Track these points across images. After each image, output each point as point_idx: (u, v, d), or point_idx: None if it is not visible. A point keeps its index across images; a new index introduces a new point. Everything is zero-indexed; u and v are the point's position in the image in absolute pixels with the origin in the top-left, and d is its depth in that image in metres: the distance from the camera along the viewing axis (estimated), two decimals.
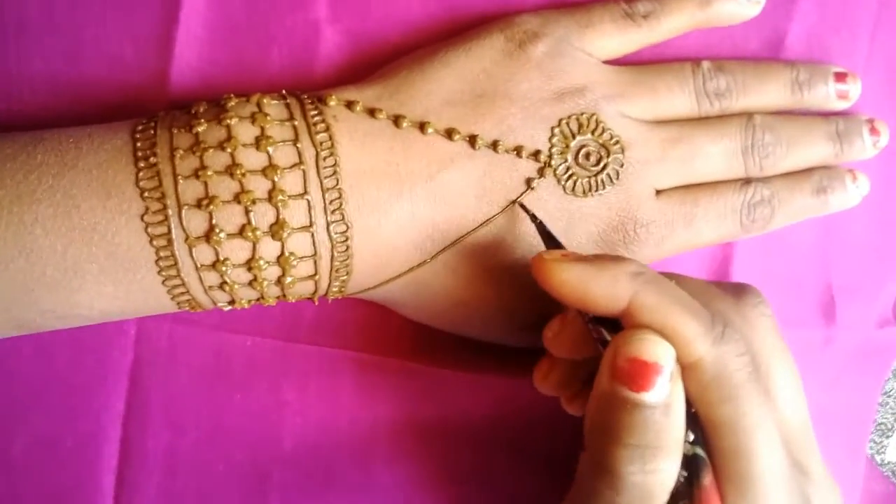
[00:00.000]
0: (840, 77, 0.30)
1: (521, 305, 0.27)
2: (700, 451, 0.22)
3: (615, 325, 0.23)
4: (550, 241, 0.25)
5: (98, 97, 0.27)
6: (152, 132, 0.24)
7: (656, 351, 0.21)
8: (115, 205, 0.23)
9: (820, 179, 0.30)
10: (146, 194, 0.23)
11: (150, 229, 0.23)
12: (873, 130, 0.31)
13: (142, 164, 0.23)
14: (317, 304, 0.27)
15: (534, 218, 0.26)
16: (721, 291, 0.25)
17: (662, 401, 0.21)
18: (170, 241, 0.23)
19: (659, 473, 0.21)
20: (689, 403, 0.22)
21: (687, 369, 0.22)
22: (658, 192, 0.28)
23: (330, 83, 0.28)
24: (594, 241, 0.27)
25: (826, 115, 0.31)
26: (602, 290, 0.22)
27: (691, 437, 0.22)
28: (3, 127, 0.27)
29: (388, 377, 0.31)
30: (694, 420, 0.22)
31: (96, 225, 0.23)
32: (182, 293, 0.24)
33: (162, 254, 0.23)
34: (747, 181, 0.29)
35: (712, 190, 0.29)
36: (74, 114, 0.27)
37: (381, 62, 0.29)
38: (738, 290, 0.25)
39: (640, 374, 0.21)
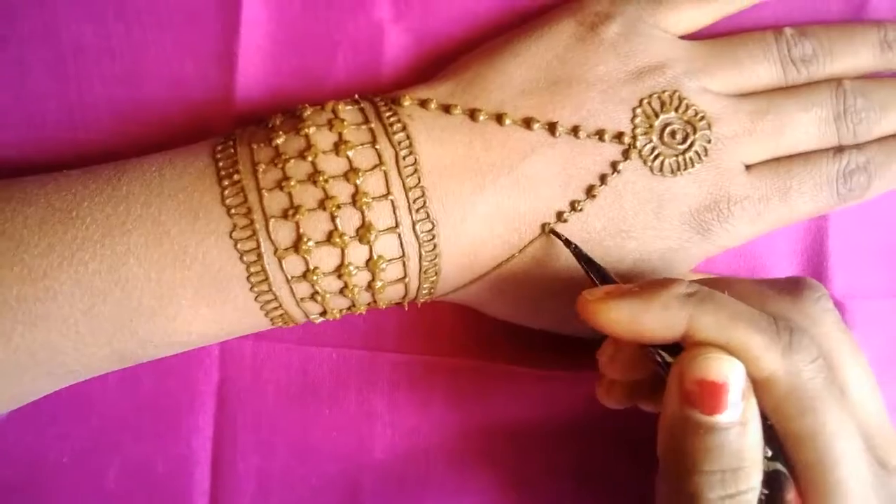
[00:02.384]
0: None
1: None
2: (780, 467, 0.21)
3: (674, 345, 0.22)
4: (590, 266, 0.24)
5: (163, 118, 0.27)
6: (232, 150, 0.24)
7: (724, 369, 0.20)
8: (203, 225, 0.23)
9: None
10: (233, 211, 0.23)
11: (239, 245, 0.23)
12: None
13: (226, 183, 0.23)
14: (406, 309, 0.27)
15: (568, 243, 0.25)
16: (777, 292, 0.23)
17: (737, 420, 0.20)
18: (259, 256, 0.23)
19: (741, 496, 0.20)
20: (764, 417, 0.21)
21: (759, 384, 0.21)
22: (748, 168, 0.27)
23: (398, 84, 0.28)
24: (686, 221, 0.26)
25: None
26: (656, 322, 0.21)
27: (769, 452, 0.21)
28: (70, 156, 0.27)
29: (478, 380, 0.30)
30: (770, 433, 0.21)
31: (187, 248, 0.23)
32: (275, 308, 0.24)
33: (253, 269, 0.23)
34: (840, 149, 0.28)
35: (805, 160, 0.27)
36: (140, 137, 0.27)
37: (447, 59, 0.28)
38: (796, 287, 0.23)
39: (710, 395, 0.20)
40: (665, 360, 0.22)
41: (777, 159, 0.27)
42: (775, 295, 0.23)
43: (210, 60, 0.27)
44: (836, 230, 0.30)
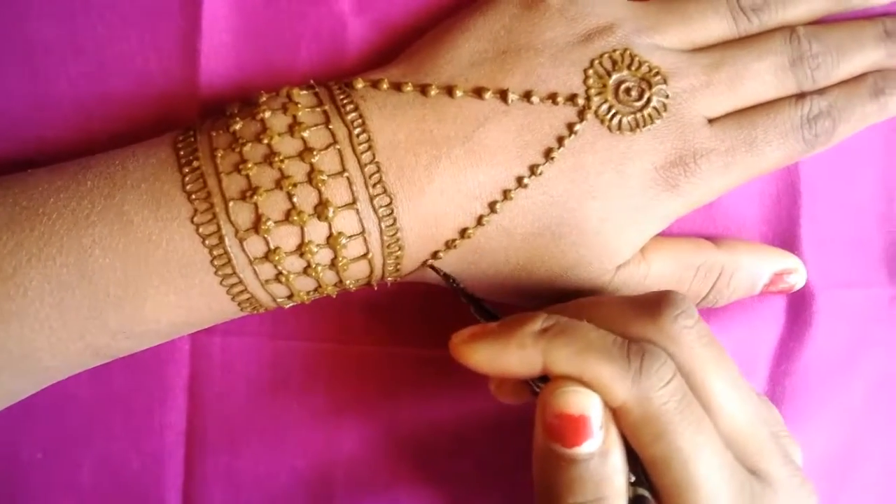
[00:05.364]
0: None
1: (584, 259, 0.26)
2: (643, 491, 0.22)
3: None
4: (470, 301, 0.26)
5: (129, 114, 0.28)
6: (192, 139, 0.25)
7: (580, 402, 0.21)
8: (165, 212, 0.24)
9: (875, 82, 0.28)
10: (193, 196, 0.24)
11: (200, 229, 0.23)
12: None
13: (186, 170, 0.24)
14: (376, 288, 0.27)
15: (446, 277, 0.25)
16: (638, 312, 0.23)
17: (597, 450, 0.21)
18: (221, 239, 0.23)
19: None
20: (628, 442, 0.22)
21: (615, 412, 0.22)
22: (711, 121, 0.27)
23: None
24: (651, 178, 0.26)
25: (872, 18, 0.29)
26: (515, 361, 0.22)
27: (633, 477, 0.22)
28: (37, 153, 0.28)
29: (448, 371, 0.30)
30: (634, 458, 0.22)
31: (150, 236, 0.23)
32: (240, 292, 0.24)
33: (215, 252, 0.24)
34: (801, 96, 0.28)
35: (768, 109, 0.27)
36: (107, 133, 0.28)
37: None
38: (656, 306, 0.23)
39: (569, 428, 0.21)
40: (537, 390, 0.23)
41: (741, 111, 0.27)
42: (636, 316, 0.23)
43: (173, 55, 0.28)
44: (808, 219, 0.30)
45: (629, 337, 0.22)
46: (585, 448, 0.21)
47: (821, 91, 0.28)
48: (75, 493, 0.29)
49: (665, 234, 0.28)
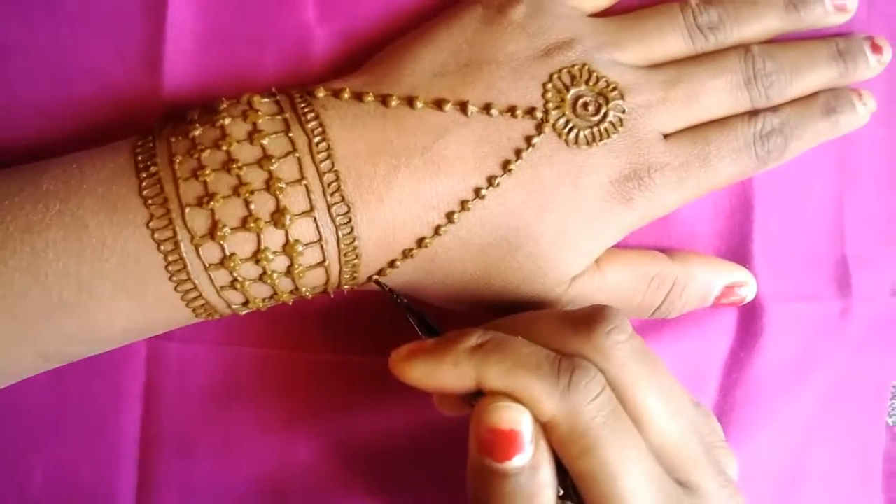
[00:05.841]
0: None
1: (541, 270, 0.26)
2: None
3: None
4: (414, 316, 0.26)
5: (90, 118, 0.28)
6: (151, 144, 0.25)
7: (511, 417, 0.22)
8: (121, 217, 0.23)
9: (827, 101, 0.29)
10: (150, 202, 0.23)
11: (156, 235, 0.23)
12: (874, 47, 0.30)
13: (143, 175, 0.24)
14: (332, 296, 0.27)
15: (391, 293, 0.26)
16: (572, 328, 0.23)
17: (526, 464, 0.22)
18: (176, 245, 0.23)
19: None
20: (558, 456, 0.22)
21: (545, 427, 0.22)
22: (666, 137, 0.27)
23: None
24: (607, 191, 0.26)
25: (825, 38, 0.30)
26: (450, 377, 0.23)
27: (561, 491, 0.22)
28: None
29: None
30: (564, 473, 0.22)
31: (105, 240, 0.23)
32: (195, 297, 0.24)
33: (170, 258, 0.23)
34: (755, 112, 0.28)
35: (721, 126, 0.28)
36: (67, 137, 0.28)
37: None
38: (590, 321, 0.23)
39: (500, 443, 0.22)
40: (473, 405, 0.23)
41: (695, 127, 0.28)
42: (571, 332, 0.23)
43: (137, 60, 0.28)
44: (760, 233, 0.31)
45: (564, 352, 0.23)
46: (516, 462, 0.21)
47: (774, 108, 0.28)
48: (25, 502, 0.29)
49: (620, 246, 0.28)
